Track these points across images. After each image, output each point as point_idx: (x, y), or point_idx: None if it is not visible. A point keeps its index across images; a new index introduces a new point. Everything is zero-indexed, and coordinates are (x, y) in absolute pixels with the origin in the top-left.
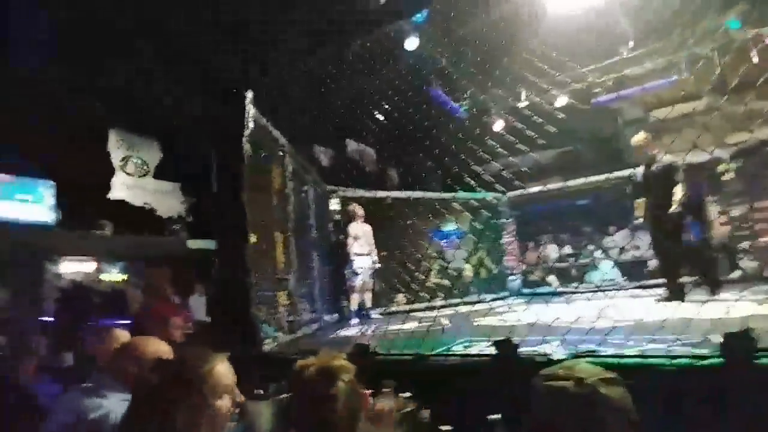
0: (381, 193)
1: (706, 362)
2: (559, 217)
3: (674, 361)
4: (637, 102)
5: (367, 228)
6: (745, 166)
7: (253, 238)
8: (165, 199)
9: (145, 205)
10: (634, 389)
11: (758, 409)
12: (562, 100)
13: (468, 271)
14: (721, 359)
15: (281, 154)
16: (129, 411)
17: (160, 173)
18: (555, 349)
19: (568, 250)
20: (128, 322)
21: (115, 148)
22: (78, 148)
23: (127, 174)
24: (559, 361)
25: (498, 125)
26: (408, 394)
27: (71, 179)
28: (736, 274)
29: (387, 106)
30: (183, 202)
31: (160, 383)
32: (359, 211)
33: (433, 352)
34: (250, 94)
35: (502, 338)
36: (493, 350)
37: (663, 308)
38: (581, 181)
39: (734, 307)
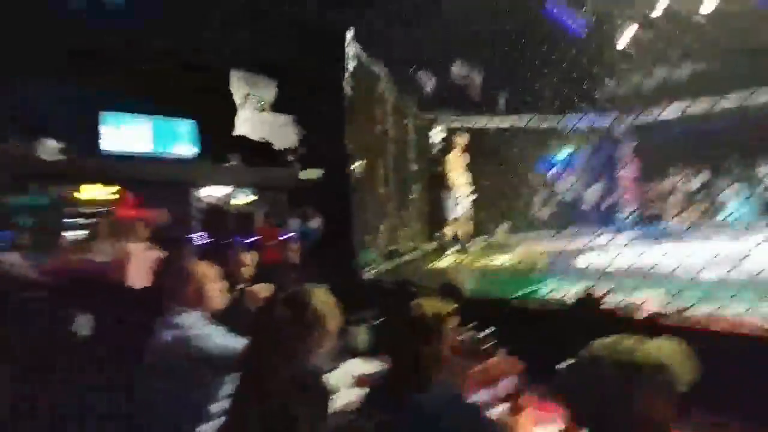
0: (485, 121)
1: None
2: (690, 145)
3: None
4: None
5: (467, 158)
6: None
7: (356, 169)
8: (280, 133)
9: (263, 138)
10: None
11: None
12: (709, 5)
13: (576, 202)
14: None
15: (382, 87)
16: (252, 337)
17: (275, 108)
18: (652, 300)
19: (698, 183)
20: (253, 240)
21: (237, 87)
22: (212, 89)
23: (248, 110)
24: (643, 320)
25: (623, 40)
26: (488, 332)
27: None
28: None
29: (495, 20)
30: (296, 134)
31: (277, 316)
32: (460, 140)
33: (517, 295)
34: (350, 33)
35: (586, 287)
36: (579, 296)
37: None
38: (723, 102)
39: None
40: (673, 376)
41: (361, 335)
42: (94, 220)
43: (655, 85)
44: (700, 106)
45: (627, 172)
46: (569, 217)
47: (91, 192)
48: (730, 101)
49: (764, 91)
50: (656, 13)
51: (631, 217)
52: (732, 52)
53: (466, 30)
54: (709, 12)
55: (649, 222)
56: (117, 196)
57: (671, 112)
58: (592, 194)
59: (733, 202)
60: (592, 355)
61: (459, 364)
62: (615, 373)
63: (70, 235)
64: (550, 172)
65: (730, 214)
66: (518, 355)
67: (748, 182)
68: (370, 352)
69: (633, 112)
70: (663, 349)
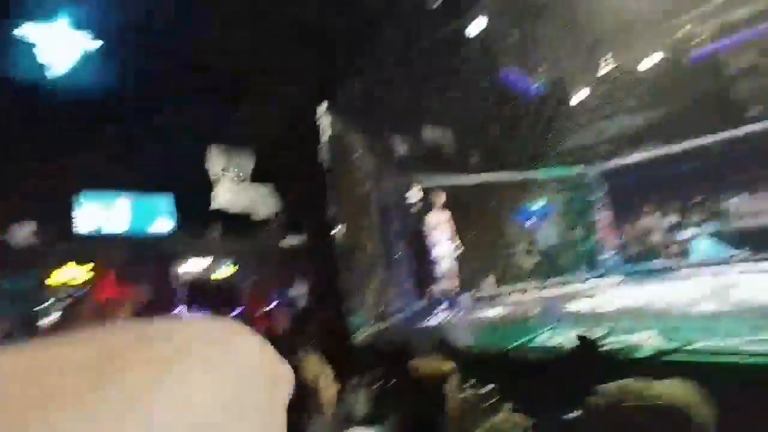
0: (461, 179)
1: None
2: (660, 186)
3: None
4: (746, 49)
5: (447, 214)
6: None
7: (339, 233)
8: (261, 201)
9: (244, 207)
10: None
11: None
12: (650, 61)
13: (558, 250)
14: None
15: (360, 151)
16: None
17: (255, 178)
18: (649, 339)
19: (671, 221)
20: (240, 311)
21: (216, 160)
22: (189, 163)
23: (228, 181)
24: (647, 358)
25: (576, 98)
26: (491, 387)
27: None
28: None
29: (459, 92)
30: (276, 202)
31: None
32: (438, 198)
33: (514, 345)
34: (324, 105)
35: (583, 332)
36: (575, 342)
37: None
38: (684, 144)
39: None
40: (698, 418)
41: (360, 401)
42: (73, 301)
43: (615, 135)
44: (658, 150)
45: (603, 217)
46: (553, 264)
47: (68, 273)
48: (685, 144)
49: (711, 136)
50: (604, 71)
51: (613, 259)
52: (678, 100)
53: (438, 95)
54: (649, 67)
55: (631, 262)
56: (95, 275)
57: (631, 157)
58: (571, 241)
59: (704, 238)
60: (608, 402)
61: (465, 422)
62: (639, 418)
63: (48, 319)
64: (529, 223)
65: (704, 249)
66: (523, 407)
67: (715, 218)
68: (370, 418)
69: (599, 160)
70: (680, 390)
